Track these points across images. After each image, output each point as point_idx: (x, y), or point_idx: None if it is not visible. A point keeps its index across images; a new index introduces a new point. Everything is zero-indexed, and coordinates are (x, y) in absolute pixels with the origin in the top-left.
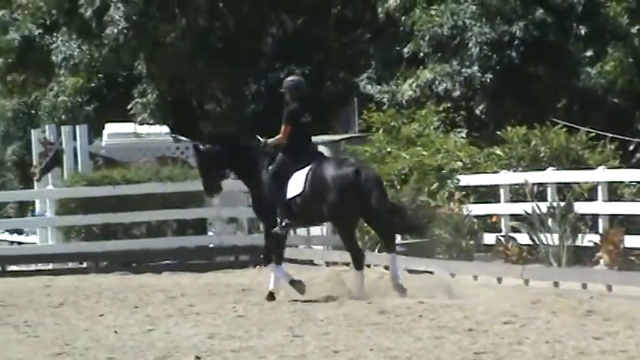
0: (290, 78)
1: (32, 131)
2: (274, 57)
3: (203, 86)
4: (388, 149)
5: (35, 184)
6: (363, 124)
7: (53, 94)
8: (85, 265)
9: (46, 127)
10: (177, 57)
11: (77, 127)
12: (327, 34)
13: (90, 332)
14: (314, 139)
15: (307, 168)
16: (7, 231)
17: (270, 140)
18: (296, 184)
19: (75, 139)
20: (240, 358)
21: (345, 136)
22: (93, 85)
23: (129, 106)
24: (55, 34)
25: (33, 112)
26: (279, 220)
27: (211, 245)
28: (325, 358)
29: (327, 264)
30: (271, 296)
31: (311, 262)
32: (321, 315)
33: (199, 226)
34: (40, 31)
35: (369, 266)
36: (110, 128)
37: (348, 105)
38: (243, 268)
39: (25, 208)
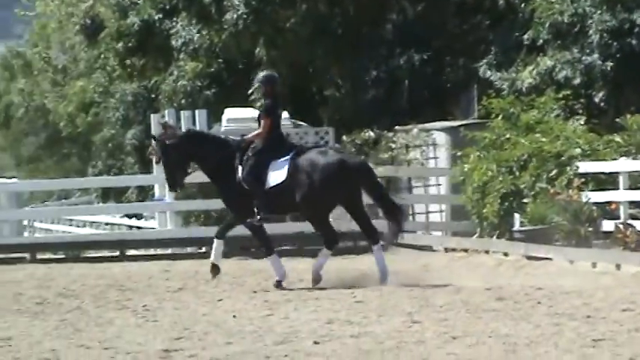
0: (263, 73)
1: (152, 115)
2: (394, 43)
3: (323, 72)
4: (507, 136)
5: (154, 168)
6: (482, 110)
7: (173, 78)
8: (203, 249)
9: (166, 111)
10: (297, 43)
11: (196, 111)
12: (447, 21)
13: (209, 317)
14: (433, 124)
15: (286, 158)
16: (126, 215)
17: (249, 135)
18: (276, 174)
19: (194, 123)
20: (359, 344)
21: (464, 122)
22: (212, 69)
23: (249, 91)
24: (174, 18)
25: (152, 96)
26: (256, 211)
27: None
28: (444, 344)
29: (446, 250)
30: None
31: (430, 248)
32: (440, 301)
33: None
34: (160, 15)
35: (487, 252)
36: (229, 113)
37: (467, 91)
38: (362, 254)
39: (145, 193)
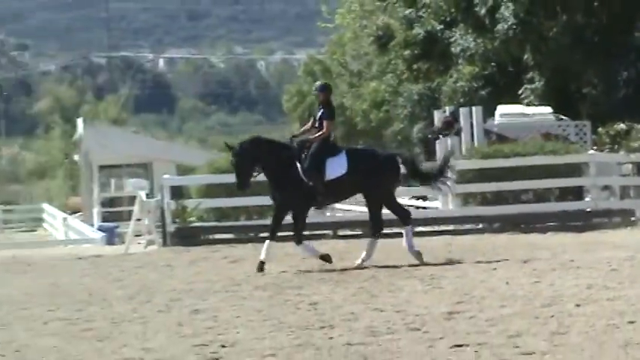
0: (320, 83)
1: (434, 112)
2: None
3: (580, 73)
4: None
5: (437, 154)
6: None
7: (452, 80)
8: (480, 226)
9: (447, 108)
10: (559, 49)
11: (473, 108)
12: None
13: (485, 283)
14: None
15: (341, 156)
16: (413, 197)
17: (314, 136)
18: (336, 168)
19: (471, 118)
20: (614, 306)
21: None
22: (486, 72)
23: (519, 91)
24: (453, 29)
25: (435, 95)
26: (318, 199)
27: (588, 209)
28: None
29: None
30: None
31: None
32: None
33: (577, 193)
34: (442, 26)
35: None
36: (501, 109)
37: None
38: (616, 229)
39: None
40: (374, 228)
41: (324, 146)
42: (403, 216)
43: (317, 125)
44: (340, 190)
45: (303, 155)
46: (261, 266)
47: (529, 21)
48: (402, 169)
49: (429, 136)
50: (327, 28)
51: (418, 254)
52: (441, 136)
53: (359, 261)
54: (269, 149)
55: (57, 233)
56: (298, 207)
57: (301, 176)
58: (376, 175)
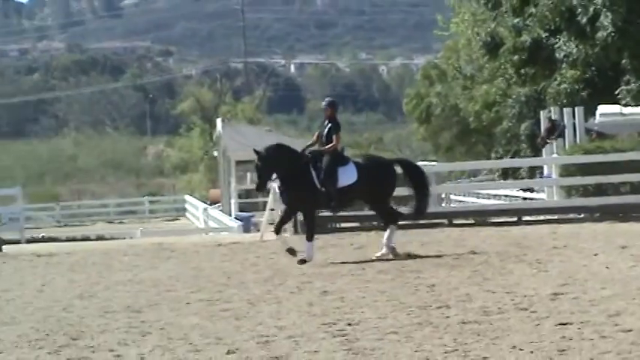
0: (328, 99)
1: (540, 112)
2: None
3: None
4: None
5: (543, 152)
6: None
7: (556, 83)
8: (582, 215)
9: (551, 108)
10: None
11: (575, 108)
12: None
13: (587, 268)
14: None
15: (350, 165)
16: (521, 189)
17: (327, 147)
18: (348, 176)
19: (574, 118)
20: None
21: None
22: (587, 76)
23: (616, 92)
24: (557, 36)
25: (540, 97)
26: (331, 204)
27: None
28: None
29: None
30: (302, 261)
31: None
32: None
33: None
34: (546, 34)
35: None
36: (601, 109)
37: None
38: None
39: (533, 172)
40: (389, 218)
41: (336, 157)
42: (388, 221)
43: (324, 139)
44: (350, 197)
45: (317, 164)
46: (293, 253)
47: (626, 29)
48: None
49: (538, 143)
50: (442, 35)
51: (393, 249)
52: (547, 142)
53: (383, 251)
54: (290, 156)
55: (198, 222)
56: (310, 209)
57: (315, 183)
58: (381, 183)
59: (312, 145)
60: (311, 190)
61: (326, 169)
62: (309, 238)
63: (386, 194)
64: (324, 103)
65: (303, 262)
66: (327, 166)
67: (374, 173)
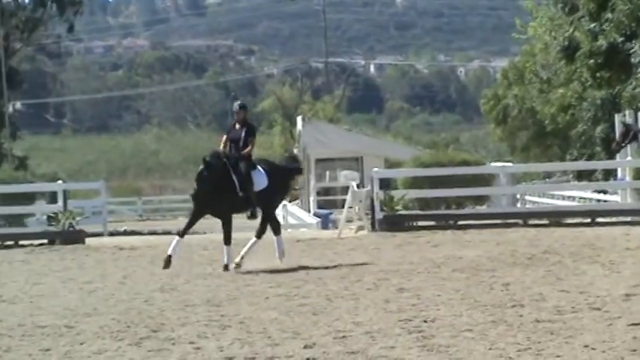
0: (239, 102)
1: (615, 115)
2: None
3: None
4: None
5: (617, 156)
6: None
7: (631, 87)
8: None
9: (626, 112)
10: None
11: None
12: None
13: None
14: None
15: (259, 169)
16: (595, 191)
17: (245, 151)
18: (261, 180)
19: None
20: None
21: None
22: None
23: None
24: (633, 41)
25: (616, 100)
26: (251, 210)
27: None
28: None
29: None
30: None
31: None
32: None
33: None
34: (622, 39)
35: None
36: None
37: None
38: None
39: (608, 175)
40: (277, 225)
41: (251, 162)
42: (275, 227)
43: (242, 144)
44: (261, 200)
45: (237, 169)
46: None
47: None
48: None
49: (613, 148)
50: (520, 39)
51: (282, 253)
52: (622, 146)
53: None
54: (225, 163)
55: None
56: (230, 214)
57: (237, 188)
58: (283, 188)
59: (225, 148)
60: (233, 195)
61: (245, 175)
62: (228, 242)
63: (282, 200)
64: (236, 105)
65: (226, 267)
66: (246, 171)
67: (278, 179)
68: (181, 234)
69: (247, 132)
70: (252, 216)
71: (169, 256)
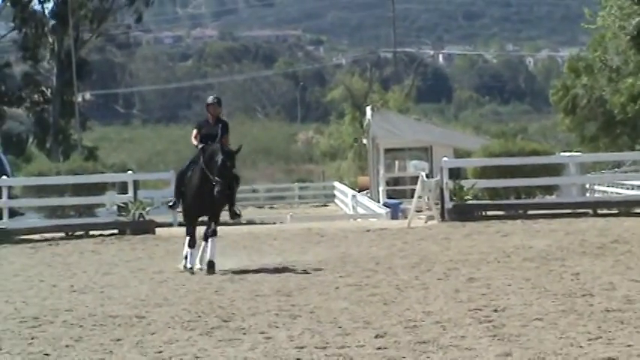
0: (214, 96)
1: None
2: None
3: None
4: None
5: None
6: None
7: None
8: None
9: None
10: None
11: None
12: None
13: None
14: None
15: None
16: None
17: (225, 149)
18: None
19: None
20: None
21: None
22: None
23: None
24: None
25: None
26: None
27: None
28: None
29: None
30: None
31: None
32: None
33: None
34: None
35: None
36: None
37: None
38: None
39: None
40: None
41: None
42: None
43: (217, 140)
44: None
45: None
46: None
47: None
48: None
49: None
50: (589, 28)
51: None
52: None
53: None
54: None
55: (346, 208)
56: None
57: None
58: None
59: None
60: (227, 191)
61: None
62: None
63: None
64: (211, 98)
65: (188, 269)
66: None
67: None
68: (191, 245)
69: (223, 129)
70: (236, 215)
71: (191, 269)
